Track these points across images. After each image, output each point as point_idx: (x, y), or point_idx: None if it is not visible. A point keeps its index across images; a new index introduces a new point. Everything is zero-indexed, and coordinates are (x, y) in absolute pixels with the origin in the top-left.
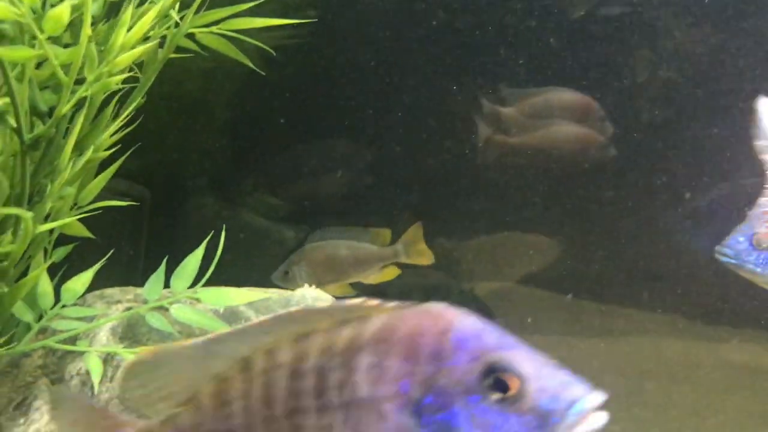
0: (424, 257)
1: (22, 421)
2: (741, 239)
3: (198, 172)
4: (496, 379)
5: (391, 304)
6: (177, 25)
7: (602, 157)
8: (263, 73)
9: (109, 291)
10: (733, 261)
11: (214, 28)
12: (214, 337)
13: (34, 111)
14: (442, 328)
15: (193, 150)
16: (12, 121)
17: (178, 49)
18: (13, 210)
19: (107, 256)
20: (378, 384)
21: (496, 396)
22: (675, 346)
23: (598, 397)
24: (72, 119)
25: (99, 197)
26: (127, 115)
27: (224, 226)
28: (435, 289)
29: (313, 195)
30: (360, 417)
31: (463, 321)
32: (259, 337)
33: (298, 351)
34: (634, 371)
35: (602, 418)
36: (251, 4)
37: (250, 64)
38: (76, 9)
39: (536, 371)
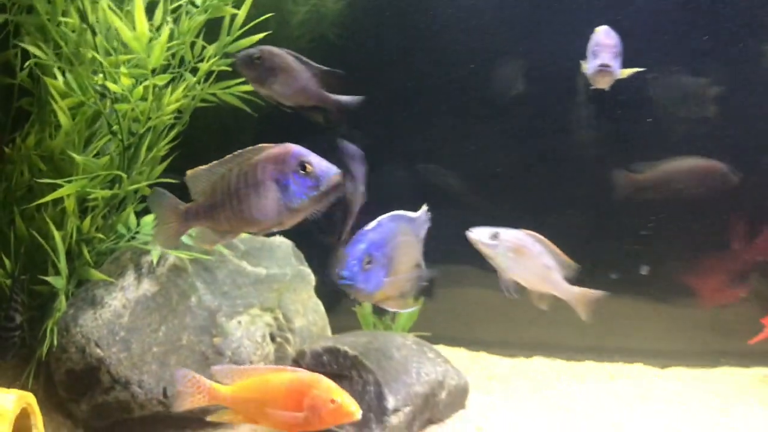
0: None
1: (120, 280)
2: (354, 262)
3: None
4: (302, 165)
5: (274, 145)
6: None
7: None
8: (255, 114)
9: None
10: (349, 282)
11: (229, 89)
12: (212, 165)
13: (129, 132)
14: (288, 150)
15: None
16: (119, 137)
17: (205, 99)
18: (118, 172)
19: None
20: (264, 174)
21: (302, 172)
22: None
23: (339, 171)
24: (145, 135)
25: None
26: (173, 135)
27: None
28: None
29: None
30: (259, 187)
31: (295, 147)
32: (228, 164)
33: (240, 167)
34: None
35: (334, 176)
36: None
37: (248, 109)
38: (147, 87)
39: (318, 162)
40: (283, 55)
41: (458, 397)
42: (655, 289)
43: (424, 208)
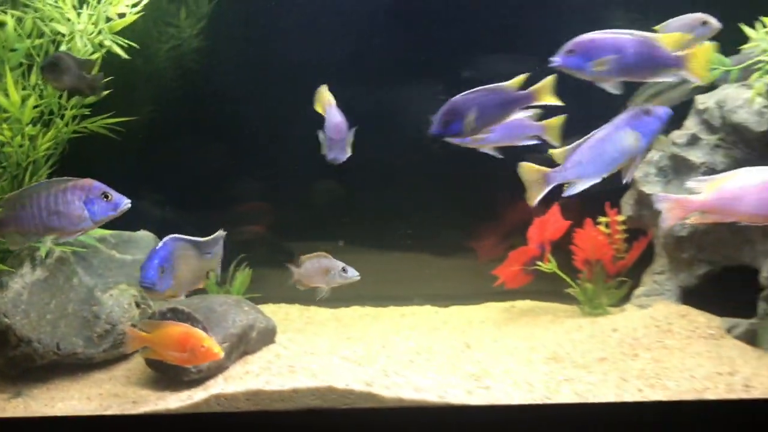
0: None
1: (20, 270)
2: (153, 272)
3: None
4: (105, 195)
5: (81, 179)
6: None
7: None
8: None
9: None
10: (151, 287)
11: (96, 123)
12: (21, 190)
13: (16, 165)
14: (92, 183)
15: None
16: (9, 171)
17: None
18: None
19: None
20: (74, 196)
21: (104, 199)
22: None
23: (127, 202)
24: (28, 168)
25: None
26: (53, 162)
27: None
28: None
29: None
30: (69, 205)
31: (96, 182)
32: (36, 189)
33: (48, 191)
34: None
35: (127, 203)
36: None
37: (111, 135)
38: (23, 135)
39: (115, 194)
40: (67, 57)
41: (267, 336)
42: (444, 248)
43: (220, 231)
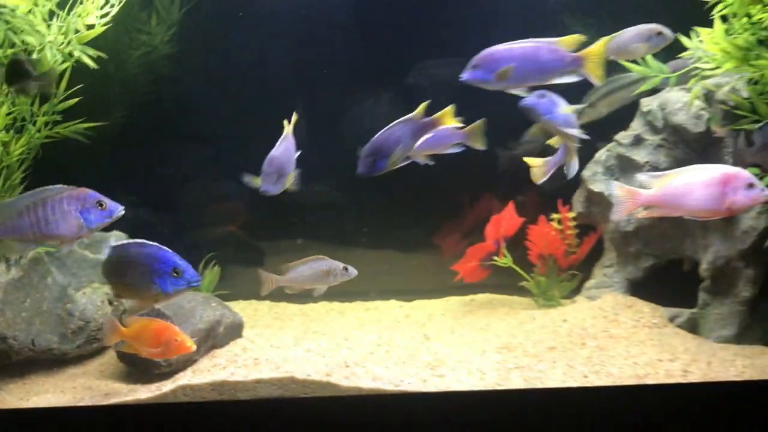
0: None
1: None
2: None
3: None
4: (100, 203)
5: (76, 189)
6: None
7: None
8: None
9: None
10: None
11: (68, 128)
12: (16, 198)
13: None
14: (87, 192)
15: (95, 165)
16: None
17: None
18: None
19: None
20: (70, 206)
21: (99, 208)
22: None
23: (121, 209)
24: (1, 172)
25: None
26: (26, 167)
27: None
28: None
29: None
30: (66, 214)
31: (91, 191)
32: (31, 198)
33: (44, 200)
34: None
35: (121, 210)
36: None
37: (83, 139)
38: None
39: (110, 202)
40: (25, 60)
41: (234, 330)
42: (410, 245)
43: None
